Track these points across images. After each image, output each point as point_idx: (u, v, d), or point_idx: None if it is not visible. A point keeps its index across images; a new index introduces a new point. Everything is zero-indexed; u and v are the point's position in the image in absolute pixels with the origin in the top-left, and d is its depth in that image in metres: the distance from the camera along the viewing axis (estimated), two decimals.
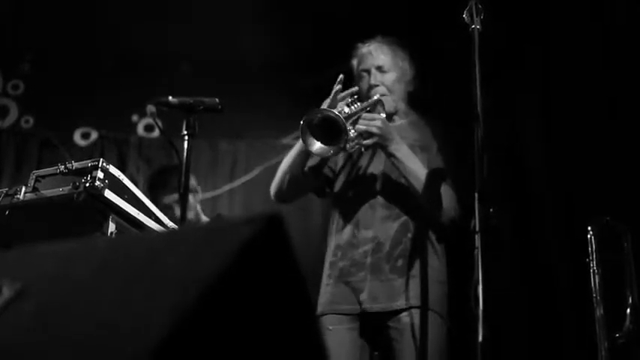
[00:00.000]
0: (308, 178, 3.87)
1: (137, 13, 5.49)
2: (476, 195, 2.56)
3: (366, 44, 3.94)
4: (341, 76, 3.65)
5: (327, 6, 5.30)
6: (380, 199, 3.68)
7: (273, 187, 3.95)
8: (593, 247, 3.56)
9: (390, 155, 3.56)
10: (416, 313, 3.46)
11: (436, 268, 3.59)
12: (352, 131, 3.54)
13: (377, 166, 3.77)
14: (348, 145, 3.56)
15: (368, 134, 3.51)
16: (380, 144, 3.54)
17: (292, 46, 5.61)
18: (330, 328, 3.56)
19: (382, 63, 3.87)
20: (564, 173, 4.46)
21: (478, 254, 2.46)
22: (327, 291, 3.66)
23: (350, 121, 3.54)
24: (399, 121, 3.90)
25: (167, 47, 5.97)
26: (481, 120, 2.70)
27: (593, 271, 3.53)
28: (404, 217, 3.63)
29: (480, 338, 2.34)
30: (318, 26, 5.45)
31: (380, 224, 3.62)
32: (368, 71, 3.87)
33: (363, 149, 3.72)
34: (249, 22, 5.42)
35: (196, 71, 6.18)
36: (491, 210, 2.54)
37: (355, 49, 3.97)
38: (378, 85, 3.83)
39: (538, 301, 4.41)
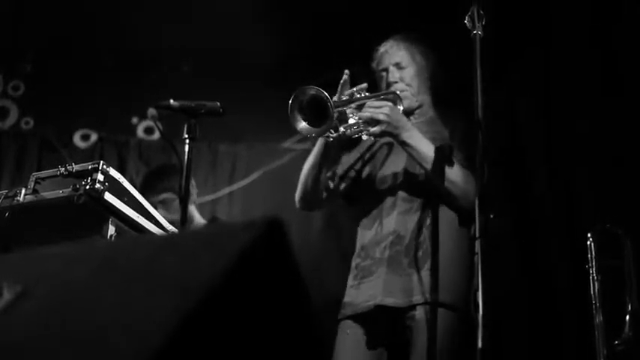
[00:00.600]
0: (334, 186, 3.81)
1: (138, 15, 5.49)
2: (476, 201, 2.57)
3: (383, 44, 3.88)
4: (347, 71, 3.58)
5: (329, 7, 5.31)
6: (401, 193, 3.59)
7: (297, 195, 3.84)
8: (593, 253, 3.56)
9: (402, 144, 3.45)
10: (431, 309, 3.33)
11: (457, 256, 3.44)
12: (356, 117, 3.51)
13: (397, 160, 3.68)
14: (348, 131, 3.53)
15: (375, 122, 3.41)
16: (389, 132, 3.43)
17: (293, 49, 5.61)
18: (348, 331, 3.50)
19: (399, 59, 3.80)
20: (565, 179, 4.47)
21: (478, 260, 2.46)
22: (350, 293, 3.58)
23: (352, 105, 3.50)
24: (422, 117, 3.82)
25: (167, 49, 5.97)
26: (482, 126, 2.70)
27: (593, 277, 3.52)
28: (424, 207, 3.52)
29: (480, 344, 2.34)
30: (320, 28, 5.45)
31: (400, 217, 3.53)
32: (386, 70, 3.80)
33: (372, 138, 3.67)
34: (250, 23, 5.42)
35: (196, 73, 6.18)
36: (491, 216, 2.54)
37: (374, 51, 3.90)
38: (396, 82, 3.76)
39: (538, 307, 4.41)
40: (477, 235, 2.49)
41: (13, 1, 5.62)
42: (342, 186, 3.84)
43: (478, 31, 2.92)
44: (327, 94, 3.29)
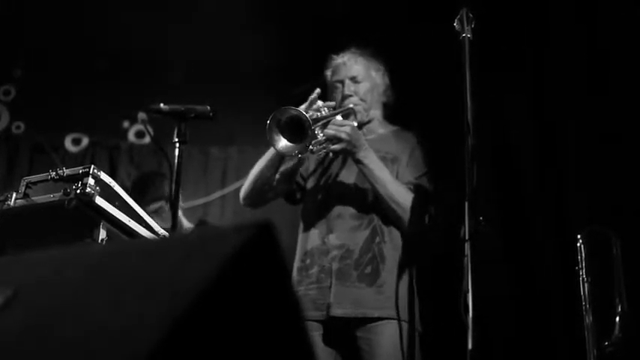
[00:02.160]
0: (279, 184, 3.91)
1: (129, 19, 5.48)
2: (466, 203, 2.58)
3: (340, 55, 3.99)
4: (318, 90, 3.72)
5: (321, 13, 5.32)
6: (350, 209, 3.71)
7: (242, 192, 3.98)
8: (583, 255, 3.57)
9: (357, 162, 3.59)
10: (387, 323, 3.50)
11: (405, 274, 3.62)
12: (321, 135, 3.59)
13: (348, 174, 3.80)
14: (315, 149, 3.60)
15: (337, 139, 3.54)
16: (348, 150, 3.56)
17: (284, 53, 5.61)
18: None
19: (356, 73, 3.91)
20: (554, 181, 4.47)
21: (467, 262, 2.47)
22: None
23: (319, 124, 3.58)
24: (371, 133, 3.92)
25: (158, 53, 5.97)
26: (471, 129, 2.71)
27: (583, 279, 3.53)
28: (373, 225, 3.66)
29: (470, 346, 2.35)
30: (312, 33, 5.46)
31: (349, 233, 3.66)
32: (342, 82, 3.91)
33: (331, 155, 3.79)
34: (241, 28, 5.43)
35: (188, 77, 6.18)
36: (480, 218, 2.55)
37: (329, 60, 4.02)
38: (351, 96, 3.87)
39: (527, 309, 4.42)
40: (466, 237, 2.51)
41: (3, 6, 5.61)
42: (286, 186, 3.97)
43: (467, 34, 2.93)
44: (307, 116, 3.38)
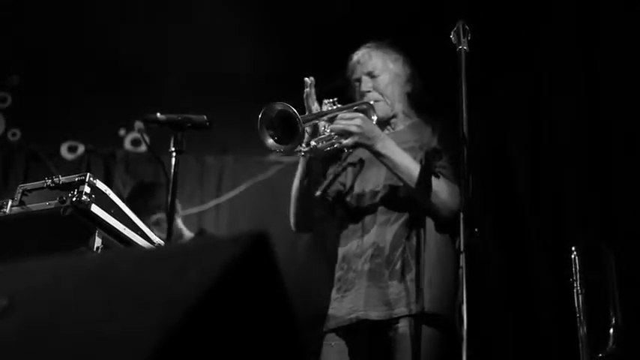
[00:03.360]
0: (321, 201, 3.76)
1: (125, 28, 5.49)
2: (461, 215, 2.58)
3: (355, 53, 3.82)
4: (311, 78, 3.57)
5: (318, 22, 5.33)
6: (380, 206, 3.55)
7: (292, 220, 3.80)
8: (577, 267, 3.57)
9: (377, 155, 3.42)
10: (414, 320, 3.29)
11: (439, 267, 3.39)
12: (328, 130, 3.48)
13: (375, 171, 3.64)
14: (320, 145, 3.49)
15: (347, 133, 3.37)
16: (362, 143, 3.40)
17: (280, 62, 5.62)
18: (333, 344, 3.48)
19: (372, 68, 3.74)
20: (549, 194, 4.49)
21: (462, 274, 2.47)
22: (334, 306, 3.55)
23: (324, 119, 3.48)
24: (398, 126, 3.78)
25: (155, 62, 5.97)
26: (467, 141, 2.72)
27: (577, 291, 3.54)
28: (403, 219, 3.48)
29: (464, 358, 2.35)
30: (309, 42, 5.47)
31: (379, 229, 3.49)
32: (359, 80, 3.75)
33: (346, 150, 3.61)
34: (237, 36, 5.44)
35: (183, 86, 6.18)
36: (475, 230, 2.55)
37: (348, 60, 3.84)
38: (369, 91, 3.71)
39: (522, 320, 4.42)
40: (462, 248, 2.51)
41: (1, 14, 5.61)
42: (331, 200, 3.79)
43: (463, 47, 2.94)
44: (295, 110, 3.25)
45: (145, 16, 5.44)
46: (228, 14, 5.28)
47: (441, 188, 3.39)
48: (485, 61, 4.65)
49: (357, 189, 3.70)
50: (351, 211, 3.68)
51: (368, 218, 3.58)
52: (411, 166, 3.40)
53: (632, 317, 3.55)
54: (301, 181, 3.66)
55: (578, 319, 3.50)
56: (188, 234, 4.99)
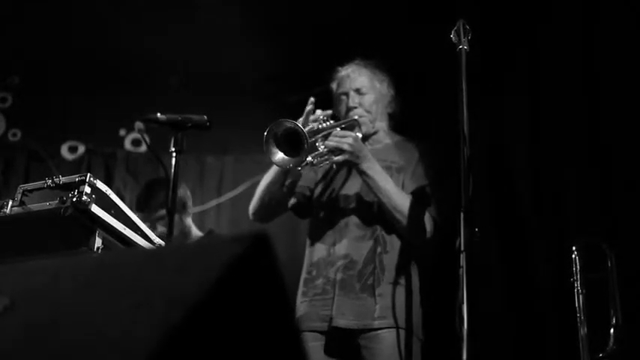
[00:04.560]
0: (285, 197, 3.92)
1: (126, 27, 5.49)
2: (461, 215, 2.58)
3: (345, 67, 4.00)
4: (312, 99, 3.73)
5: (318, 22, 5.33)
6: (354, 218, 3.72)
7: (251, 207, 4.01)
8: (578, 267, 3.58)
9: (361, 173, 3.59)
10: (387, 332, 3.49)
11: (408, 283, 3.62)
12: (322, 147, 3.61)
13: (353, 185, 3.80)
14: (315, 161, 3.62)
15: (339, 150, 3.54)
16: (351, 161, 3.56)
17: (281, 62, 5.62)
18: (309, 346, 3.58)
19: (360, 85, 3.92)
20: (550, 193, 4.48)
21: (463, 273, 2.47)
22: (301, 309, 3.69)
23: (319, 136, 3.60)
24: (377, 144, 3.94)
25: (155, 61, 5.97)
26: (467, 140, 2.72)
27: (578, 290, 3.54)
28: (376, 235, 3.66)
29: (464, 358, 2.35)
30: (308, 43, 5.47)
31: (353, 243, 3.66)
32: (347, 94, 3.92)
33: (334, 166, 3.78)
34: (238, 37, 5.43)
35: (184, 86, 6.19)
36: (476, 229, 2.55)
37: (334, 72, 4.03)
38: (356, 107, 3.89)
39: (522, 320, 4.42)
40: (462, 248, 2.51)
41: (1, 15, 5.61)
42: (293, 200, 3.94)
43: (464, 46, 2.94)
44: (302, 128, 3.39)
45: (146, 16, 5.44)
46: (229, 15, 5.28)
47: (417, 216, 3.61)
48: (485, 61, 4.66)
49: (337, 199, 3.85)
50: (324, 218, 3.83)
51: (340, 226, 3.74)
52: (391, 191, 3.59)
53: (633, 317, 3.55)
54: (274, 181, 3.89)
55: (578, 319, 3.51)
56: (196, 233, 4.99)
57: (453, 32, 3.00)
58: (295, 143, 3.40)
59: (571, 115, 4.42)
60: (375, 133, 3.95)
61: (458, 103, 2.80)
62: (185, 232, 4.81)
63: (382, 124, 3.99)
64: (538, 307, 4.35)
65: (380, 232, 3.66)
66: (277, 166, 3.54)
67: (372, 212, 3.69)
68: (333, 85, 4.02)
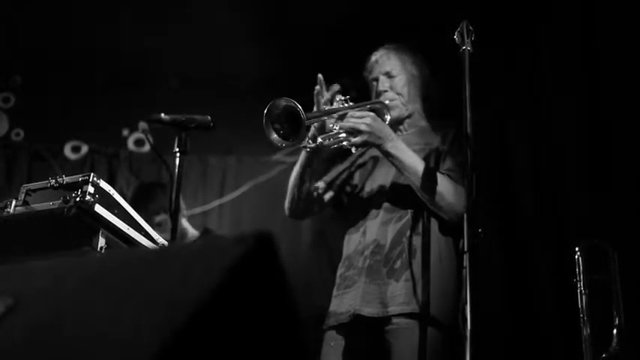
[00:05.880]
0: (319, 194, 3.81)
1: (129, 28, 5.50)
2: (464, 215, 2.58)
3: (374, 53, 3.86)
4: (319, 76, 3.60)
5: (320, 23, 5.33)
6: (385, 204, 3.56)
7: (286, 205, 3.86)
8: (581, 267, 3.57)
9: (386, 154, 3.43)
10: (408, 320, 3.29)
11: (438, 268, 3.39)
12: (336, 128, 3.50)
13: (381, 171, 3.68)
14: (327, 142, 3.52)
15: (357, 132, 3.39)
16: (372, 142, 3.41)
17: (283, 62, 5.62)
18: (332, 344, 3.48)
19: (389, 68, 3.78)
20: (553, 194, 4.48)
21: (466, 274, 2.47)
22: (334, 303, 3.57)
23: (334, 116, 3.51)
24: (412, 127, 3.80)
25: (158, 62, 5.99)
26: (471, 141, 2.72)
27: (580, 291, 3.54)
28: (407, 217, 3.49)
29: (468, 358, 2.35)
30: (311, 43, 5.47)
31: (382, 227, 3.50)
32: (377, 79, 3.79)
33: (354, 149, 3.61)
34: (240, 38, 5.44)
35: (187, 86, 6.19)
36: (479, 230, 2.55)
37: (367, 60, 3.88)
38: (386, 91, 3.75)
39: (525, 321, 4.42)
40: (466, 249, 2.51)
41: (3, 14, 5.62)
42: (329, 195, 3.83)
43: (467, 47, 2.94)
44: (298, 106, 3.27)
45: (149, 17, 5.44)
46: (232, 16, 5.28)
47: (448, 190, 3.38)
48: (486, 61, 4.66)
49: (367, 188, 3.72)
50: (357, 210, 3.70)
51: (372, 215, 3.60)
52: (419, 167, 3.40)
53: (636, 317, 3.54)
54: (300, 172, 3.73)
55: (581, 320, 3.50)
56: (192, 233, 5.00)
57: (456, 33, 2.99)
58: (295, 124, 3.29)
59: (572, 114, 4.41)
60: (409, 116, 3.80)
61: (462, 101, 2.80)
62: (181, 233, 4.82)
63: (417, 106, 3.83)
64: (541, 308, 4.35)
65: (410, 214, 3.48)
66: (274, 144, 3.40)
67: (404, 194, 3.51)
68: (366, 74, 3.87)
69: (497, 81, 4.86)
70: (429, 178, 3.38)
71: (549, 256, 4.35)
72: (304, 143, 3.51)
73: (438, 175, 3.41)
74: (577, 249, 3.60)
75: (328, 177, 3.84)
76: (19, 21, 5.66)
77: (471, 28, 2.96)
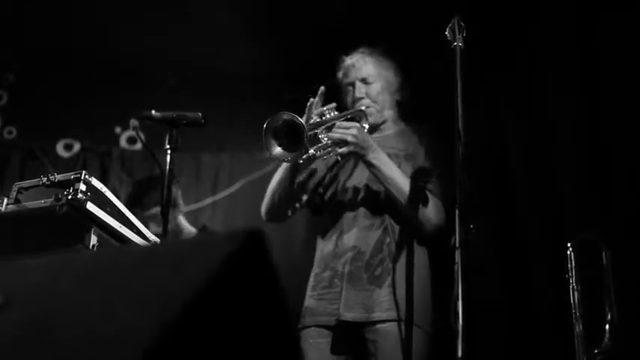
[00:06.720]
0: (297, 195, 3.88)
1: (122, 26, 5.49)
2: (456, 210, 2.58)
3: (349, 56, 3.92)
4: (322, 88, 3.67)
5: (313, 20, 5.32)
6: (362, 209, 3.65)
7: (263, 208, 3.93)
8: (573, 263, 3.58)
9: (367, 164, 3.52)
10: (393, 325, 3.40)
11: (417, 276, 3.51)
12: (325, 139, 3.56)
13: (360, 176, 3.74)
14: (318, 153, 3.58)
15: (343, 142, 3.46)
16: (356, 153, 3.49)
17: (277, 60, 5.61)
18: (311, 341, 3.54)
19: (366, 74, 3.84)
20: (545, 189, 4.49)
21: (458, 270, 2.48)
22: (310, 303, 3.63)
23: (322, 128, 3.55)
24: (385, 131, 3.88)
25: (151, 59, 5.97)
26: (462, 135, 2.72)
27: (573, 287, 3.54)
28: (385, 224, 3.59)
29: (460, 354, 2.35)
30: (304, 40, 5.46)
31: (361, 233, 3.59)
32: (353, 84, 3.85)
33: (339, 158, 3.74)
34: (233, 36, 5.43)
35: (180, 84, 6.18)
36: (471, 226, 2.55)
37: (339, 61, 3.94)
38: (363, 98, 3.82)
39: (517, 316, 4.43)
40: (457, 245, 2.51)
41: None
42: (305, 197, 3.92)
43: (459, 43, 2.95)
44: (301, 120, 3.35)
45: (143, 15, 5.43)
46: (226, 13, 5.28)
47: (427, 205, 3.51)
48: (483, 58, 4.67)
49: (338, 187, 3.80)
50: (331, 208, 3.79)
51: (348, 218, 3.69)
52: (399, 180, 3.51)
53: (628, 313, 3.55)
54: (282, 179, 3.79)
55: (574, 316, 3.51)
56: (189, 229, 5.00)
57: (447, 29, 3.00)
58: (295, 136, 3.35)
59: (570, 114, 4.42)
60: (383, 122, 3.89)
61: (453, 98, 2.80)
62: (177, 230, 4.82)
63: (390, 113, 3.91)
64: (534, 304, 4.35)
65: (389, 222, 3.59)
66: (276, 160, 3.50)
67: (381, 202, 3.62)
68: (339, 75, 3.94)
69: (496, 80, 4.86)
70: (408, 192, 3.50)
71: (542, 253, 4.36)
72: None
73: (418, 189, 3.52)
74: (569, 245, 3.60)
75: (301, 178, 3.89)
76: (12, 19, 5.64)
77: (462, 24, 2.97)
